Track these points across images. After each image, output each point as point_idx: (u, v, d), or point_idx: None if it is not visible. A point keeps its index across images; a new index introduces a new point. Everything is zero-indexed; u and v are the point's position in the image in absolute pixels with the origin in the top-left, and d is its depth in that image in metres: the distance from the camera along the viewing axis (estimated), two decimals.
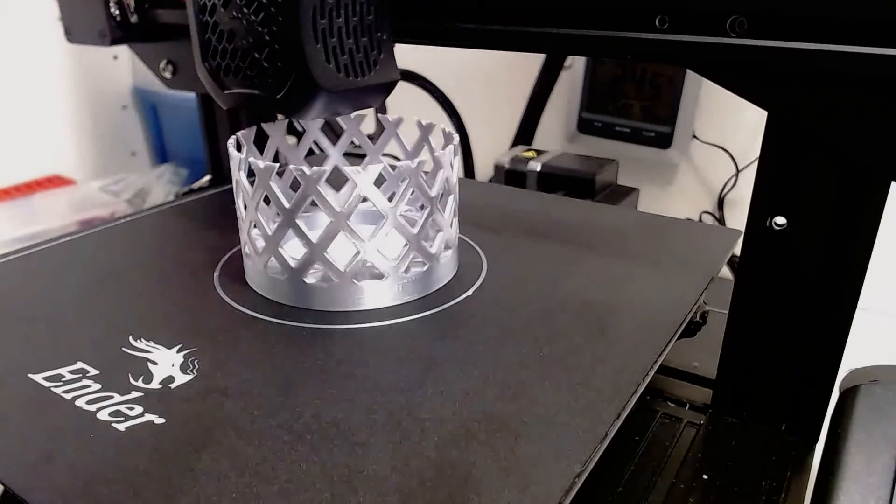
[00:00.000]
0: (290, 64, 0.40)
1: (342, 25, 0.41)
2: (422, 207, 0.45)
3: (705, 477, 0.42)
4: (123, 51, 1.35)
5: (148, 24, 0.66)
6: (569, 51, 0.44)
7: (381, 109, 0.55)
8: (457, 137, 0.47)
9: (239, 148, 0.47)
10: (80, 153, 1.34)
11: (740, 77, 0.38)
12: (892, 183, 0.37)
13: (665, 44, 0.39)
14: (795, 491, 0.41)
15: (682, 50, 0.39)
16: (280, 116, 0.53)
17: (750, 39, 0.36)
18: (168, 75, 0.72)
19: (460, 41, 0.46)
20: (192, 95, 0.81)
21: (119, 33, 0.66)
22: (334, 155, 0.56)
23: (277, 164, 0.42)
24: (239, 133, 0.48)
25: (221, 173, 0.83)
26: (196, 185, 0.83)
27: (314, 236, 0.43)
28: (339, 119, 0.54)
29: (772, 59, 0.36)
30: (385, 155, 0.56)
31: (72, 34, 0.70)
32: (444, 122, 0.50)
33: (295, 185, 0.43)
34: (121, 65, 1.36)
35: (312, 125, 0.54)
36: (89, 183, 1.30)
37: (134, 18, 0.65)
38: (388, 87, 0.46)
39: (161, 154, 1.43)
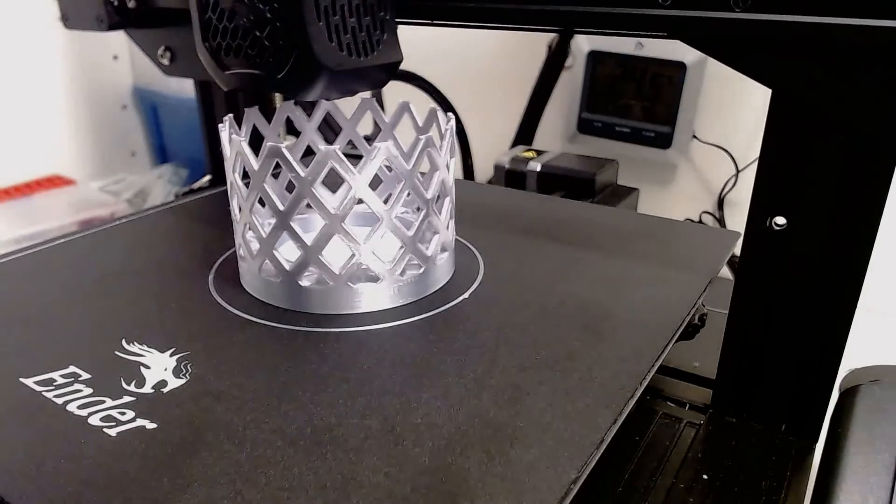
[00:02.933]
0: (291, 42, 0.40)
1: (344, 3, 0.41)
2: (418, 209, 0.45)
3: (705, 477, 0.41)
4: (123, 50, 1.35)
5: (146, 9, 0.65)
6: (571, 27, 0.43)
7: (378, 97, 0.54)
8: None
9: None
10: (80, 153, 1.34)
11: (744, 53, 0.38)
12: (892, 184, 0.37)
13: (668, 19, 0.38)
14: (795, 491, 0.41)
15: (685, 25, 0.38)
16: (277, 110, 0.53)
17: (754, 14, 0.36)
18: (166, 62, 0.71)
19: (461, 20, 0.45)
20: (192, 95, 0.81)
21: (116, 19, 0.66)
22: None
23: (276, 158, 0.42)
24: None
25: (221, 173, 0.82)
26: (196, 185, 0.82)
27: (309, 238, 0.42)
28: (336, 119, 0.54)
29: (776, 34, 0.36)
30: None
31: (69, 20, 0.70)
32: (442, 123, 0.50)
33: (290, 187, 0.43)
34: (121, 65, 1.36)
35: (309, 125, 0.54)
36: (89, 183, 1.30)
37: (132, 3, 0.65)
38: (391, 69, 0.45)
39: (161, 154, 1.43)
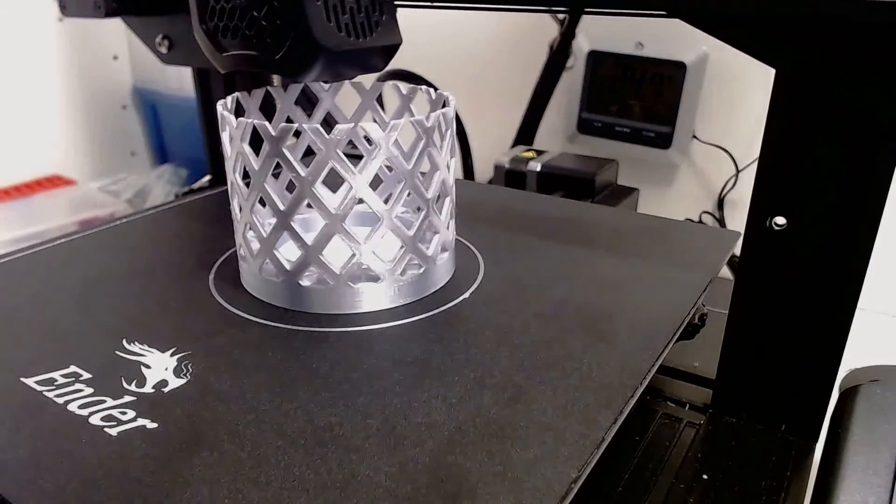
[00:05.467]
0: (289, 22, 0.40)
1: None
2: (418, 209, 0.45)
3: (705, 477, 0.41)
4: (123, 50, 1.35)
5: None
6: (571, 6, 0.43)
7: (379, 97, 0.54)
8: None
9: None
10: (80, 153, 1.34)
11: (747, 32, 0.37)
12: (892, 184, 0.37)
13: None
14: (795, 491, 0.41)
15: (685, 3, 0.38)
16: (278, 110, 0.53)
17: None
18: (164, 50, 0.71)
19: (460, 0, 0.45)
20: (192, 95, 0.81)
21: (114, 6, 0.65)
22: None
23: (277, 157, 0.42)
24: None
25: (221, 173, 0.83)
26: (196, 185, 0.83)
27: (310, 238, 0.42)
28: (337, 119, 0.54)
29: (779, 12, 0.35)
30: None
31: (66, 8, 0.69)
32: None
33: (291, 187, 0.43)
34: (121, 65, 1.36)
35: (310, 125, 0.54)
36: (89, 183, 1.30)
37: None
38: (390, 51, 0.45)
39: (161, 154, 1.43)
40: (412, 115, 0.52)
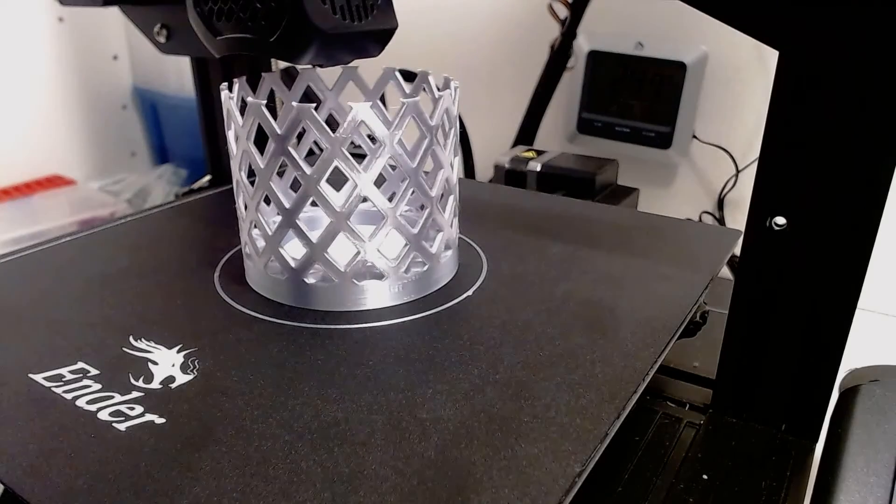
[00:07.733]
0: (284, 4, 0.40)
1: None
2: (422, 207, 0.45)
3: (705, 477, 0.42)
4: (123, 50, 1.35)
5: None
6: None
7: (381, 97, 0.55)
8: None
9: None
10: (80, 153, 1.34)
11: (749, 11, 0.37)
12: (892, 184, 0.37)
13: None
14: (795, 491, 0.41)
15: None
16: (282, 110, 0.53)
17: None
18: (162, 40, 0.70)
19: None
20: (192, 95, 0.81)
21: None
22: None
23: (283, 156, 0.42)
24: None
25: (221, 173, 0.83)
26: (196, 185, 0.83)
27: (315, 236, 0.43)
28: (339, 119, 0.54)
29: None
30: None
31: None
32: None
33: (295, 185, 0.43)
34: (121, 65, 1.36)
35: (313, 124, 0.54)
36: (89, 183, 1.30)
37: None
38: (386, 36, 0.45)
39: (161, 154, 1.43)
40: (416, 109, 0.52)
